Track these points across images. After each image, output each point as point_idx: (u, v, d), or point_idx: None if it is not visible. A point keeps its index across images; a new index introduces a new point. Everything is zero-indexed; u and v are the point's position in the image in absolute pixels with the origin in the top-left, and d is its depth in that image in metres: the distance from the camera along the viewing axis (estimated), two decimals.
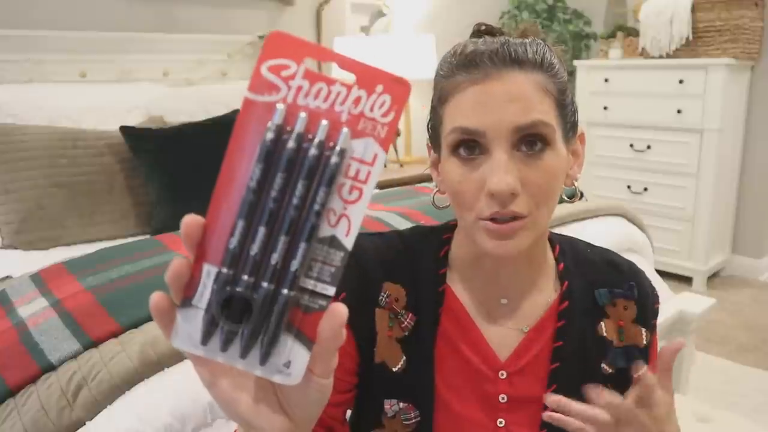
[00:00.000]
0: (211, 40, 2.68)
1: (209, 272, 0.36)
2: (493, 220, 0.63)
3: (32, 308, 1.16)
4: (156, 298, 0.37)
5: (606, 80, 3.33)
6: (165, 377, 0.99)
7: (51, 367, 1.00)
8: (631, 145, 3.28)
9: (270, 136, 0.35)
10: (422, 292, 0.72)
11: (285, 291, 0.36)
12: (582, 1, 3.83)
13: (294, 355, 0.37)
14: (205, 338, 0.36)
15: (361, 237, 0.76)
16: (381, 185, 2.84)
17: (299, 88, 0.35)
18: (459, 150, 0.64)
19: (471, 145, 0.64)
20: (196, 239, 0.37)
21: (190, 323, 0.36)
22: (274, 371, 0.37)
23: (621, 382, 0.73)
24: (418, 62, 2.96)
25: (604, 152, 3.41)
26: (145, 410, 0.93)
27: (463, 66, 0.64)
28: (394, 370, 0.71)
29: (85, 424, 0.93)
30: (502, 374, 0.71)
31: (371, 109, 0.35)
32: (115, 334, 1.05)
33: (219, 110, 2.27)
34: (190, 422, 0.95)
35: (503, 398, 0.71)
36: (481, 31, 0.69)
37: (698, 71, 2.99)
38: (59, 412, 0.92)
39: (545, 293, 0.74)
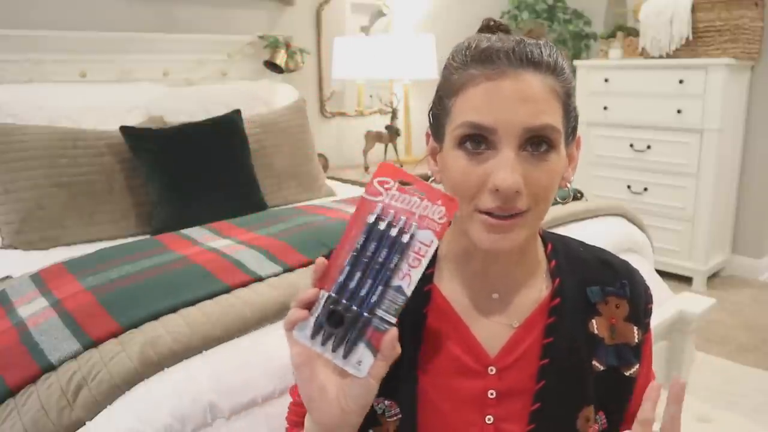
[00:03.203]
0: (211, 40, 2.68)
1: (323, 295, 0.58)
2: (491, 214, 0.64)
3: (32, 308, 1.16)
4: (297, 313, 0.58)
5: (606, 80, 3.33)
6: (165, 377, 0.99)
7: (51, 367, 1.00)
8: (631, 145, 3.28)
9: (371, 219, 0.58)
10: None
11: (366, 314, 0.57)
12: (582, 1, 3.83)
13: (364, 357, 0.57)
14: (314, 335, 0.58)
15: None
16: None
17: (393, 196, 0.58)
18: (465, 143, 0.65)
19: (478, 140, 0.64)
20: (320, 274, 0.58)
21: (305, 326, 0.58)
22: (350, 365, 0.57)
23: (611, 379, 0.73)
24: (418, 62, 2.96)
25: (604, 152, 3.41)
26: (145, 410, 0.93)
27: (478, 60, 0.65)
28: None
29: (85, 424, 0.93)
30: (492, 370, 0.71)
31: (433, 214, 0.57)
32: (115, 334, 1.05)
33: (219, 110, 2.27)
34: (190, 422, 0.95)
35: (492, 394, 0.71)
36: (491, 27, 0.70)
37: (698, 71, 2.99)
38: (59, 412, 0.92)
39: (536, 290, 0.74)
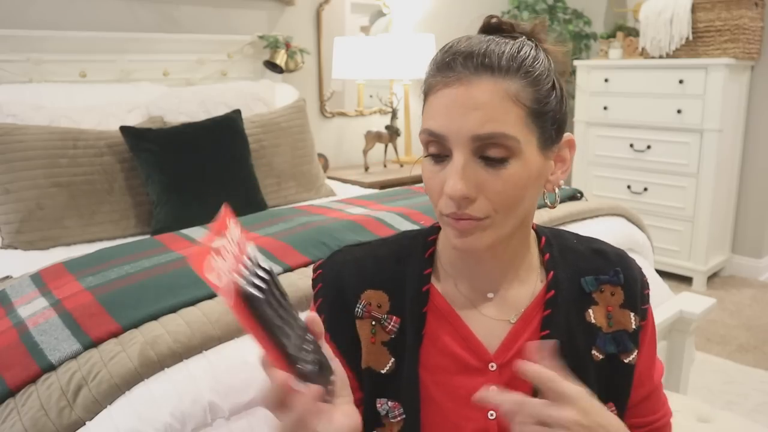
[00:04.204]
0: (211, 40, 2.68)
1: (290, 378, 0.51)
2: (453, 218, 0.65)
3: (32, 308, 1.16)
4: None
5: (606, 80, 3.33)
6: (165, 377, 0.99)
7: (51, 367, 1.00)
8: (631, 145, 3.28)
9: (246, 294, 0.47)
10: (407, 294, 0.74)
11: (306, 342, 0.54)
12: (582, 1, 3.83)
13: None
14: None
15: (343, 251, 0.79)
16: (381, 185, 2.84)
17: (222, 270, 0.47)
18: (429, 148, 0.66)
19: (439, 146, 0.65)
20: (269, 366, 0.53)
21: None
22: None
23: (611, 367, 0.73)
24: (418, 62, 2.96)
25: (604, 152, 3.41)
26: (145, 410, 0.94)
27: (440, 68, 0.65)
28: (382, 372, 0.72)
29: (85, 424, 0.93)
30: (492, 366, 0.72)
31: (235, 233, 0.50)
32: (115, 334, 1.05)
33: (219, 110, 2.27)
34: (190, 422, 0.95)
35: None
36: (491, 24, 0.69)
37: (698, 71, 3.00)
38: (59, 412, 0.92)
39: (530, 284, 0.75)
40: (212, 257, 0.47)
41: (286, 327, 0.50)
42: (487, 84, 0.62)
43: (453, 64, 0.64)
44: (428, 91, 0.67)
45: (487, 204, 0.64)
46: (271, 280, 0.49)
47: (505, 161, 0.63)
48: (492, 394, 0.60)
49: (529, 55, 0.65)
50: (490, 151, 0.63)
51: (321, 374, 0.55)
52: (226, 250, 0.48)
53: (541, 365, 0.58)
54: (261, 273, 0.48)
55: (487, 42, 0.64)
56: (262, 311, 0.48)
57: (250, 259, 0.49)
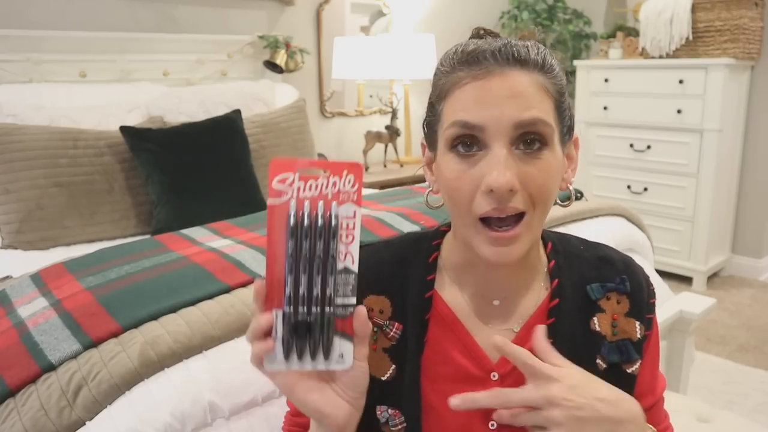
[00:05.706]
0: (211, 40, 2.68)
1: (277, 314, 0.56)
2: (490, 226, 0.63)
3: (32, 308, 1.16)
4: (260, 346, 0.56)
5: (606, 80, 3.33)
6: (165, 377, 0.99)
7: (51, 367, 1.00)
8: (631, 145, 3.28)
9: (291, 221, 0.55)
10: (409, 299, 0.73)
11: (328, 309, 0.56)
12: (582, 1, 3.83)
13: (344, 348, 0.57)
14: (287, 357, 0.56)
15: None
16: (381, 185, 2.84)
17: (298, 188, 0.55)
18: (457, 146, 0.64)
19: (469, 142, 0.64)
20: (263, 296, 0.55)
21: (274, 354, 0.56)
22: (334, 363, 0.57)
23: (613, 378, 0.71)
24: (418, 62, 2.96)
25: (604, 152, 3.41)
26: (145, 410, 0.94)
27: (465, 62, 0.65)
28: (383, 379, 0.71)
29: (85, 424, 0.93)
30: (494, 376, 0.71)
31: (344, 186, 0.56)
32: (115, 334, 1.05)
33: (219, 110, 2.27)
34: (190, 422, 0.95)
35: None
36: (480, 35, 0.70)
37: (698, 71, 3.00)
38: (59, 412, 0.92)
39: (536, 292, 0.74)
40: (299, 175, 0.54)
41: (311, 272, 0.55)
42: (520, 75, 0.63)
43: (481, 58, 0.64)
44: (450, 87, 0.66)
45: (527, 197, 0.63)
46: (323, 230, 0.55)
47: (542, 150, 0.64)
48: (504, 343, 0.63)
49: (546, 53, 0.66)
50: (528, 141, 0.63)
51: (320, 339, 0.56)
52: (315, 186, 0.55)
53: (523, 348, 0.62)
54: (317, 220, 0.55)
55: (507, 41, 0.65)
56: (294, 242, 0.55)
57: (314, 207, 0.55)
